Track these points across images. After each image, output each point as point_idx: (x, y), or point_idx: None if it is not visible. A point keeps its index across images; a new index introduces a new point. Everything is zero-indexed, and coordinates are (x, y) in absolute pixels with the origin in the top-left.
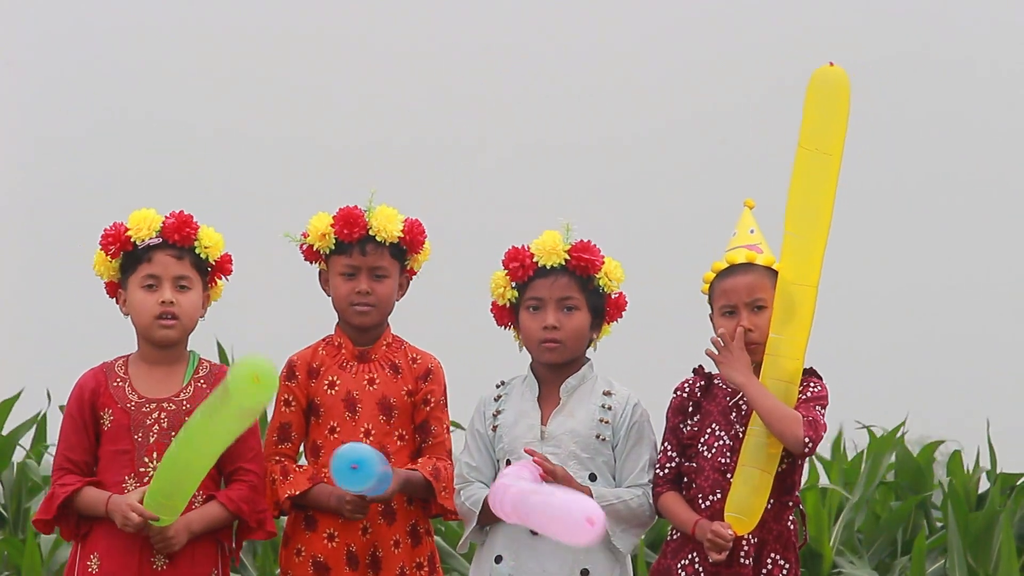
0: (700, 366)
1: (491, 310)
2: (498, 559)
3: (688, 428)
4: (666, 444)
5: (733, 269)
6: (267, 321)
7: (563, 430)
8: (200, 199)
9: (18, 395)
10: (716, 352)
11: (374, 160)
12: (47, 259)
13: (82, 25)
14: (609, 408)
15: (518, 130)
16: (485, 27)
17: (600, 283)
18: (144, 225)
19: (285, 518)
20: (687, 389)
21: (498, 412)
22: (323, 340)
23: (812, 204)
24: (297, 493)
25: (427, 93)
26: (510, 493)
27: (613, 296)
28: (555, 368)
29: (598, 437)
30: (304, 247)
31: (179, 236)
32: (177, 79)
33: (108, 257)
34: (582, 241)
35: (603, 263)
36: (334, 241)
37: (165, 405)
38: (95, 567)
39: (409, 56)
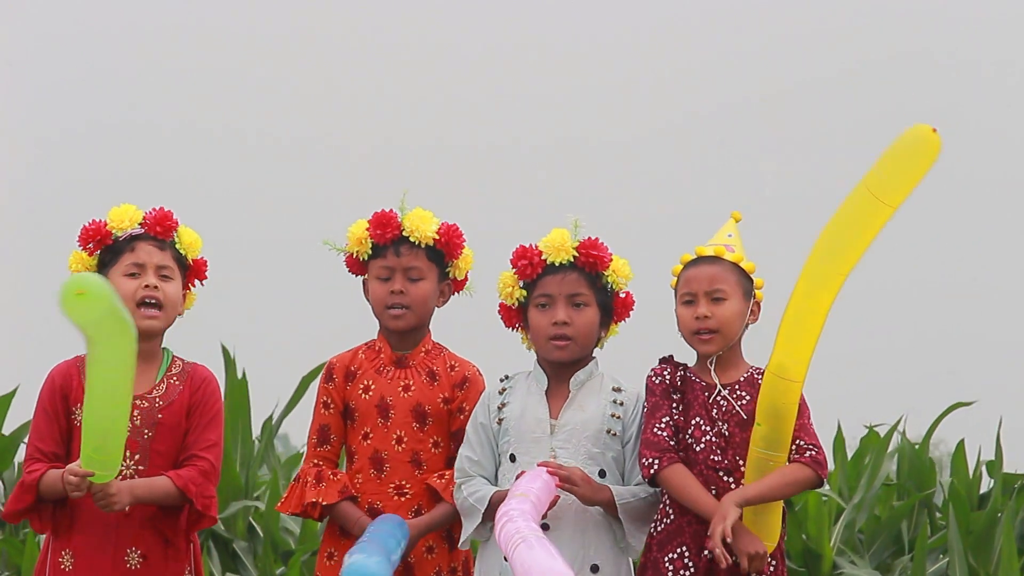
0: (671, 356)
1: (498, 311)
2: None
3: (676, 415)
4: (667, 417)
5: (699, 260)
6: (271, 323)
7: (574, 423)
8: (200, 200)
9: (14, 391)
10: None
11: (384, 164)
12: (47, 257)
13: (82, 26)
14: (621, 404)
15: (521, 132)
16: (488, 31)
17: (608, 280)
18: (125, 218)
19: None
20: (667, 376)
21: (503, 405)
22: (365, 344)
23: (848, 242)
24: (323, 503)
25: (432, 96)
26: (506, 529)
27: (621, 295)
28: (563, 365)
29: (608, 432)
30: (347, 257)
31: (160, 228)
32: (178, 80)
33: (86, 254)
34: (590, 238)
35: (611, 260)
36: (371, 246)
37: (138, 402)
38: (68, 564)
39: (418, 62)
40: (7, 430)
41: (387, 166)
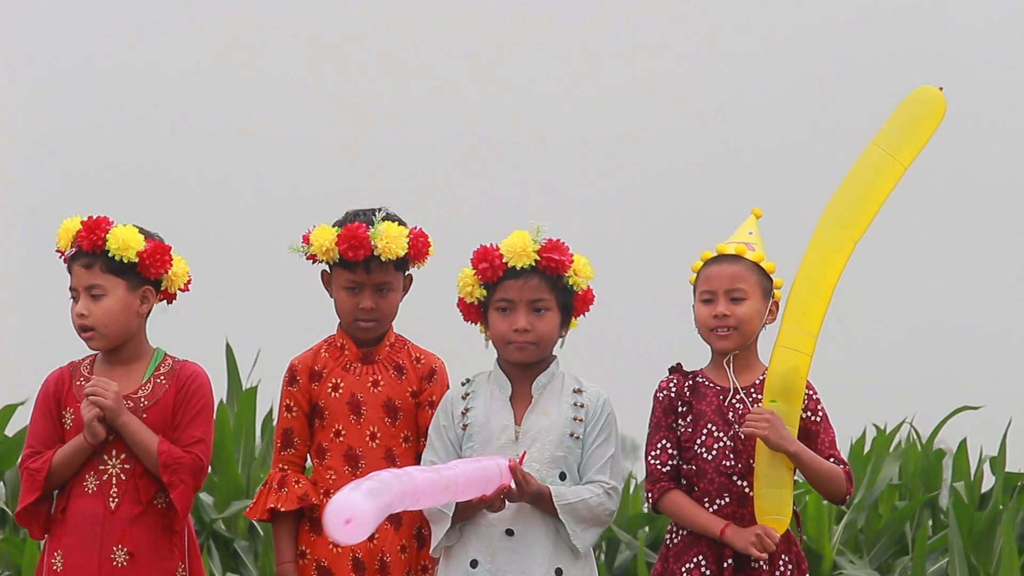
0: (679, 364)
1: (458, 306)
2: (473, 563)
3: (682, 429)
4: (663, 441)
5: (720, 258)
6: (274, 319)
7: (538, 428)
8: (201, 198)
9: (23, 402)
10: (758, 426)
11: (379, 161)
12: (49, 259)
13: (82, 25)
14: (582, 406)
15: (520, 130)
16: (488, 27)
17: (569, 282)
18: (64, 236)
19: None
20: (673, 389)
21: (466, 411)
22: (325, 341)
23: (859, 205)
24: (281, 510)
25: (431, 93)
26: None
27: (580, 292)
28: (524, 366)
29: (572, 435)
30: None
31: (88, 244)
32: (178, 79)
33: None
34: (551, 240)
35: (572, 262)
36: (338, 256)
37: (124, 403)
38: (59, 565)
39: (413, 57)
40: (10, 431)
41: (389, 163)
